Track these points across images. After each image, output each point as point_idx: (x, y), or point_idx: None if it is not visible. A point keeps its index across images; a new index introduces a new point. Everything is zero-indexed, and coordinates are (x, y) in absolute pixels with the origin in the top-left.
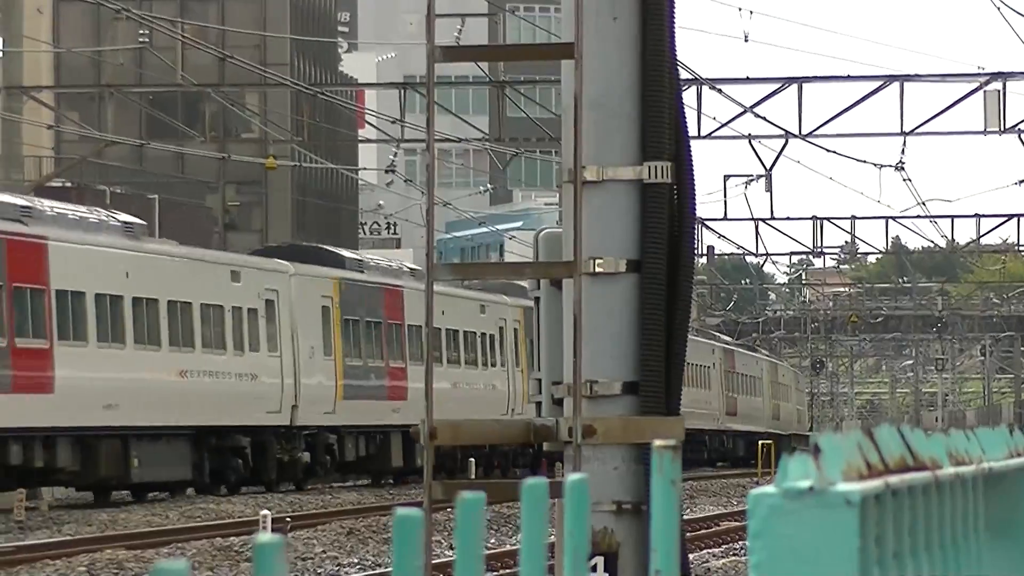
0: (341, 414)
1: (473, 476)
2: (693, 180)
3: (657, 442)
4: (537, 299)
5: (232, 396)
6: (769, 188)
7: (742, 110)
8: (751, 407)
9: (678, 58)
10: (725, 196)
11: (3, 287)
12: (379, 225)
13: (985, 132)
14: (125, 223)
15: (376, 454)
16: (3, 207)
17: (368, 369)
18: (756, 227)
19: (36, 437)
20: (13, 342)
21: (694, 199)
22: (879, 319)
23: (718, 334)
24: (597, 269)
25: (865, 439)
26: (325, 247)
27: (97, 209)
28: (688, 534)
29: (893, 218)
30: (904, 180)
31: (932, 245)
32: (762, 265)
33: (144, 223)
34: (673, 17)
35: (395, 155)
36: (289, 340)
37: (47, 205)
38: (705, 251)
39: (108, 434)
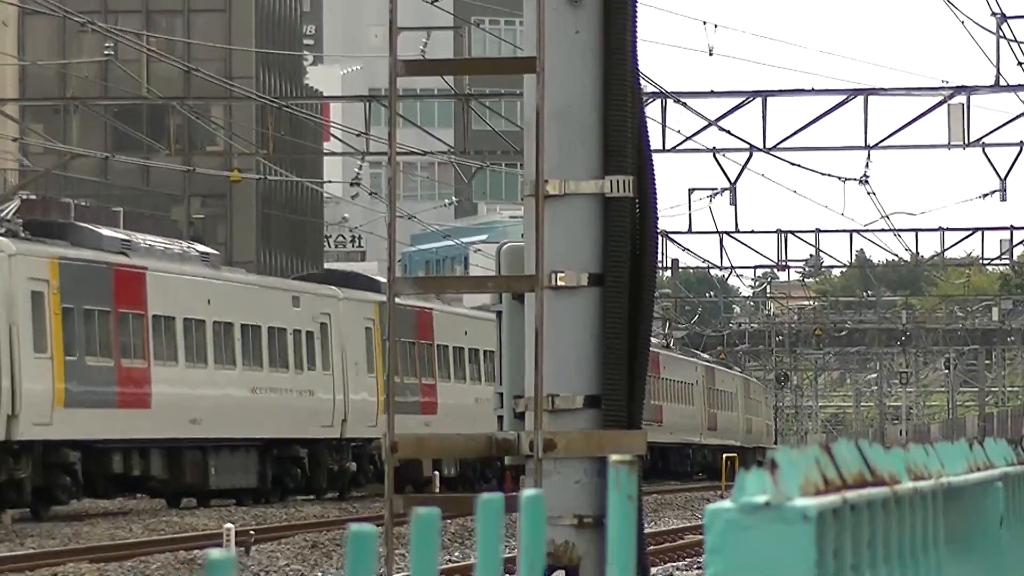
0: (382, 427)
1: (437, 490)
2: (655, 194)
3: (613, 457)
4: (499, 313)
5: (293, 411)
6: (734, 201)
7: (707, 123)
8: (728, 422)
9: (642, 72)
10: (690, 209)
11: (111, 312)
12: (344, 238)
13: (949, 146)
14: (203, 254)
15: (407, 466)
16: (108, 240)
17: (403, 386)
18: (721, 240)
19: (133, 448)
20: (119, 362)
21: (656, 213)
22: (843, 332)
23: (697, 352)
24: (559, 283)
25: (823, 454)
26: (362, 273)
27: (178, 241)
28: (651, 547)
29: (857, 231)
30: (868, 193)
31: (896, 258)
32: (727, 278)
33: (218, 253)
34: (635, 31)
35: (360, 168)
36: (339, 359)
37: (140, 238)
38: (670, 264)
39: (191, 446)
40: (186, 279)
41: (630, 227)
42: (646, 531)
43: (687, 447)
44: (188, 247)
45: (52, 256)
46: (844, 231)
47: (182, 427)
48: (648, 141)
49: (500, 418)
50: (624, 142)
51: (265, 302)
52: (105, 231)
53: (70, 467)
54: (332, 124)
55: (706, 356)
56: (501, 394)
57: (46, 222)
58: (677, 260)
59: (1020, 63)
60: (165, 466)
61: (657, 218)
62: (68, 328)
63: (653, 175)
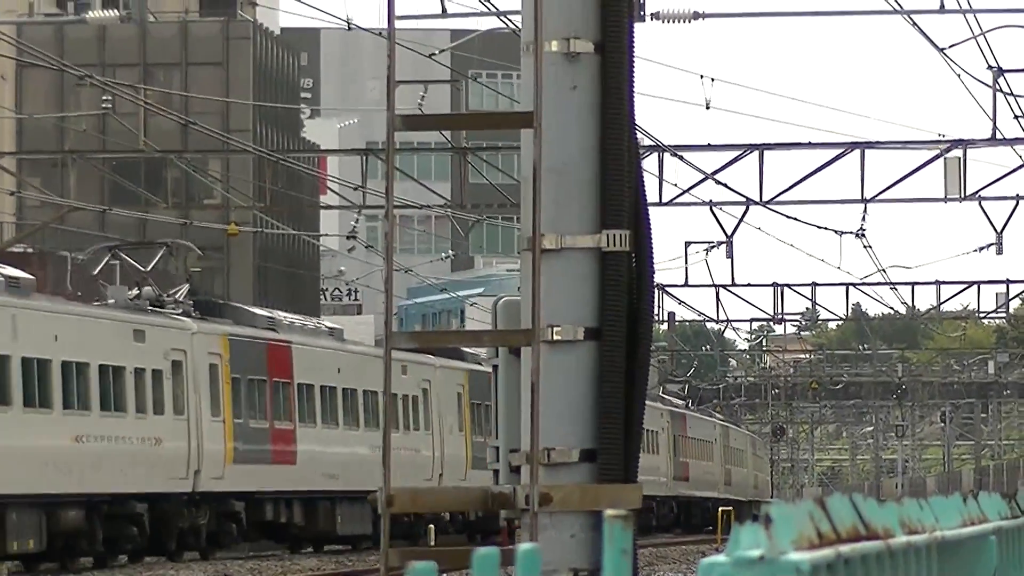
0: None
1: (432, 543)
2: (652, 248)
3: (608, 512)
4: (495, 367)
5: (401, 464)
6: (730, 254)
7: (703, 177)
8: (702, 472)
9: (639, 125)
10: (686, 262)
11: (266, 381)
12: (340, 291)
13: (946, 199)
14: (330, 328)
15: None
16: (258, 319)
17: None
18: (717, 293)
19: (281, 499)
20: (272, 424)
21: (653, 267)
22: (839, 385)
23: (669, 397)
24: (555, 337)
25: (817, 508)
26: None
27: (310, 317)
28: None
29: (854, 285)
30: (865, 247)
31: (892, 312)
32: (723, 331)
33: (341, 327)
34: (632, 85)
35: (357, 221)
36: (436, 419)
37: (282, 315)
38: (666, 317)
39: (323, 496)
40: (320, 351)
41: (626, 281)
42: None
43: (707, 501)
44: (318, 324)
45: (224, 333)
46: (840, 284)
47: (319, 481)
48: (645, 195)
49: (495, 471)
50: (621, 196)
51: (374, 369)
52: (256, 310)
53: (236, 516)
54: (329, 177)
55: (679, 402)
56: (497, 448)
57: (208, 301)
58: (673, 313)
59: (1016, 117)
60: (304, 515)
61: (654, 272)
62: (236, 395)
63: (649, 229)
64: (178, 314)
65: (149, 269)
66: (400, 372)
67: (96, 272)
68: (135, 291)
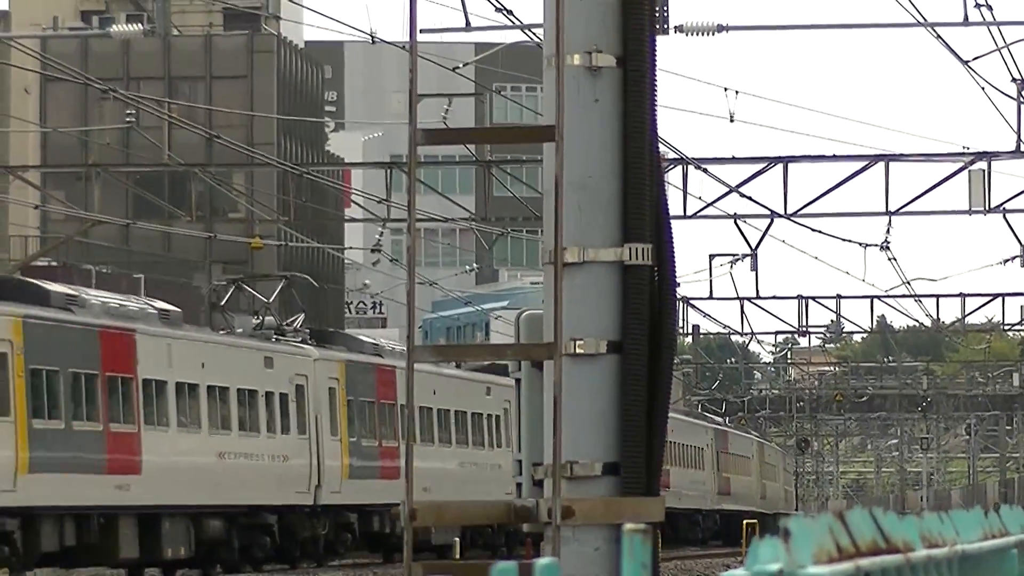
0: None
1: (457, 556)
2: (674, 261)
3: (627, 526)
4: (518, 380)
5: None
6: (754, 267)
7: (728, 190)
8: (742, 486)
9: (663, 138)
10: (711, 275)
11: (375, 403)
12: (365, 304)
13: (970, 212)
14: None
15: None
16: (365, 345)
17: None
18: (741, 306)
19: (386, 512)
20: (381, 443)
21: (675, 280)
22: (864, 398)
23: (709, 415)
24: (578, 350)
25: (836, 522)
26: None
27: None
28: None
29: (878, 297)
30: (889, 259)
31: (917, 324)
32: (747, 344)
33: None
34: (655, 98)
35: (381, 234)
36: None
37: (385, 341)
38: (691, 330)
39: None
40: (422, 375)
41: (648, 295)
42: None
43: (697, 513)
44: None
45: (341, 360)
46: (865, 297)
47: (418, 494)
48: (667, 209)
49: (518, 485)
50: (642, 210)
51: (467, 391)
52: (363, 337)
53: (351, 527)
54: (353, 191)
55: (719, 420)
56: (520, 461)
57: (321, 330)
58: (698, 326)
59: None
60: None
61: (676, 285)
62: (351, 416)
63: (672, 243)
64: (298, 342)
65: (272, 299)
66: (485, 394)
67: (223, 302)
68: (257, 320)
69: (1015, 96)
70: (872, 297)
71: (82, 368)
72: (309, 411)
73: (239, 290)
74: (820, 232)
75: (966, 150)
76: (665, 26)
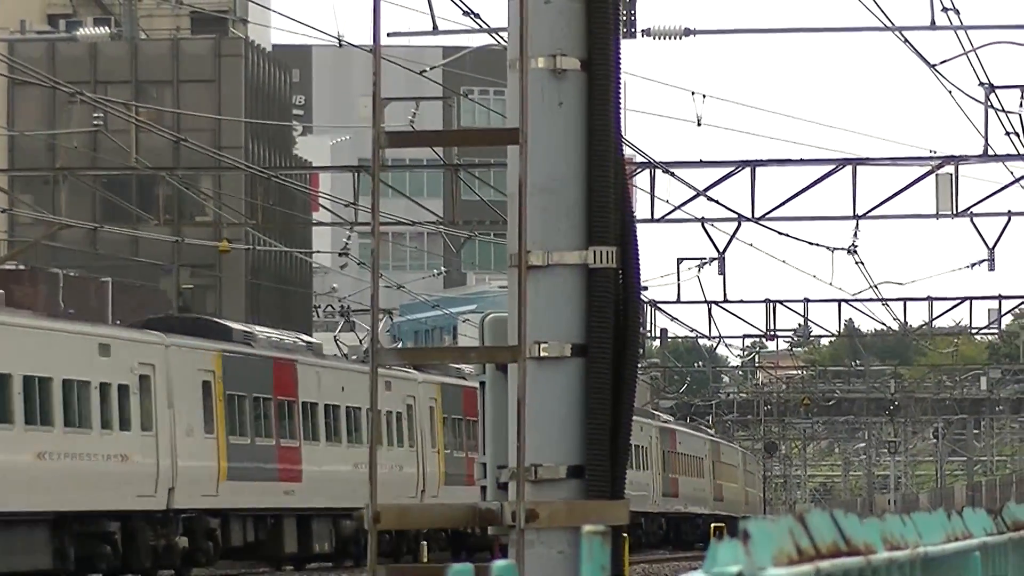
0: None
1: (425, 560)
2: (639, 264)
3: (586, 528)
4: (483, 383)
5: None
6: (722, 271)
7: (695, 193)
8: (732, 493)
9: (630, 142)
10: (678, 279)
11: (463, 420)
12: (333, 308)
13: (937, 215)
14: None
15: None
16: (450, 370)
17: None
18: (709, 310)
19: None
20: (467, 454)
21: (640, 283)
22: (832, 402)
23: (658, 413)
24: (542, 353)
25: (797, 524)
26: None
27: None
28: None
29: (846, 301)
30: (857, 263)
31: (885, 328)
32: (715, 348)
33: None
34: (619, 102)
35: (349, 238)
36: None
37: (468, 369)
38: (658, 334)
39: None
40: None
41: (613, 298)
42: None
43: (698, 517)
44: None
45: (438, 382)
46: (833, 300)
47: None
48: (632, 211)
49: (483, 488)
50: (607, 212)
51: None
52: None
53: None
54: (321, 194)
55: (666, 417)
56: (484, 464)
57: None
58: (666, 330)
59: (1008, 133)
60: None
61: (641, 288)
62: (445, 431)
63: (636, 245)
64: (404, 368)
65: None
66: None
67: (336, 333)
68: (365, 349)
69: (982, 100)
70: (840, 301)
71: (261, 393)
72: (415, 427)
73: (347, 320)
74: (787, 236)
75: (933, 154)
76: (632, 30)
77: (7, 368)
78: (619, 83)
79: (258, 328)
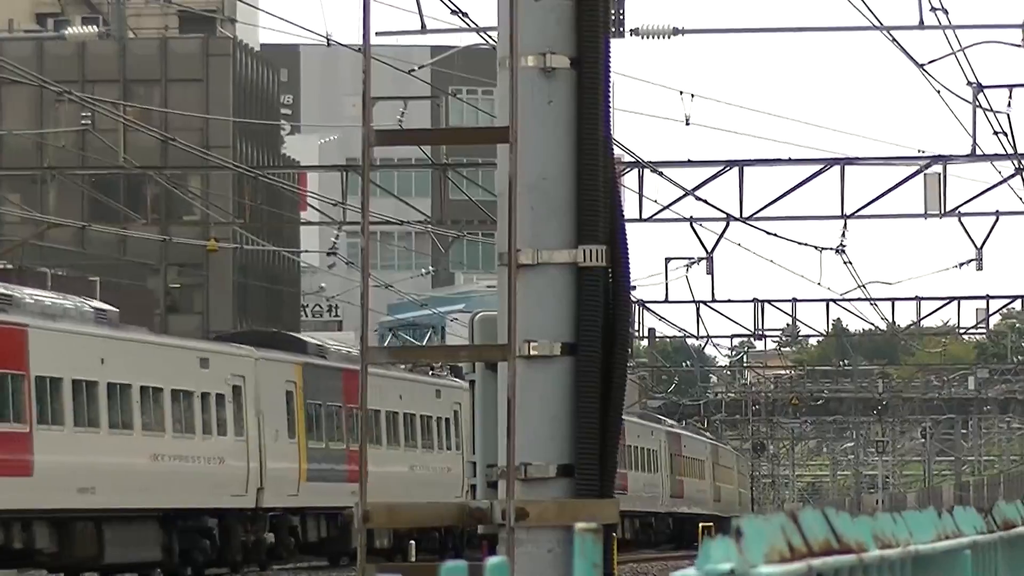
0: None
1: (413, 559)
2: (628, 263)
3: (579, 525)
4: (473, 382)
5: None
6: (710, 271)
7: (684, 193)
8: (696, 490)
9: (618, 141)
10: (666, 278)
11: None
12: (321, 307)
13: (926, 215)
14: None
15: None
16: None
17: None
18: (697, 309)
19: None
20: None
21: (629, 282)
22: (820, 401)
23: (662, 417)
24: (532, 352)
25: (789, 522)
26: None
27: None
28: None
29: (834, 301)
30: (845, 263)
31: (873, 328)
32: (703, 347)
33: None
34: (608, 101)
35: (337, 237)
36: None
37: (332, 343)
38: (646, 333)
39: None
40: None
41: (603, 296)
42: None
43: (650, 515)
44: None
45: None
46: (821, 300)
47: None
48: (621, 210)
49: (473, 487)
50: (597, 211)
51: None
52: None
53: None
54: (309, 193)
55: (671, 422)
56: (474, 463)
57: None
58: (654, 329)
59: (996, 132)
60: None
61: (630, 287)
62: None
63: (626, 244)
64: (448, 376)
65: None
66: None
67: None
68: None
69: (970, 100)
70: (828, 300)
71: (333, 401)
72: (463, 432)
73: (395, 336)
74: (776, 235)
75: (922, 153)
76: (621, 29)
77: (127, 379)
78: (609, 82)
79: (329, 341)
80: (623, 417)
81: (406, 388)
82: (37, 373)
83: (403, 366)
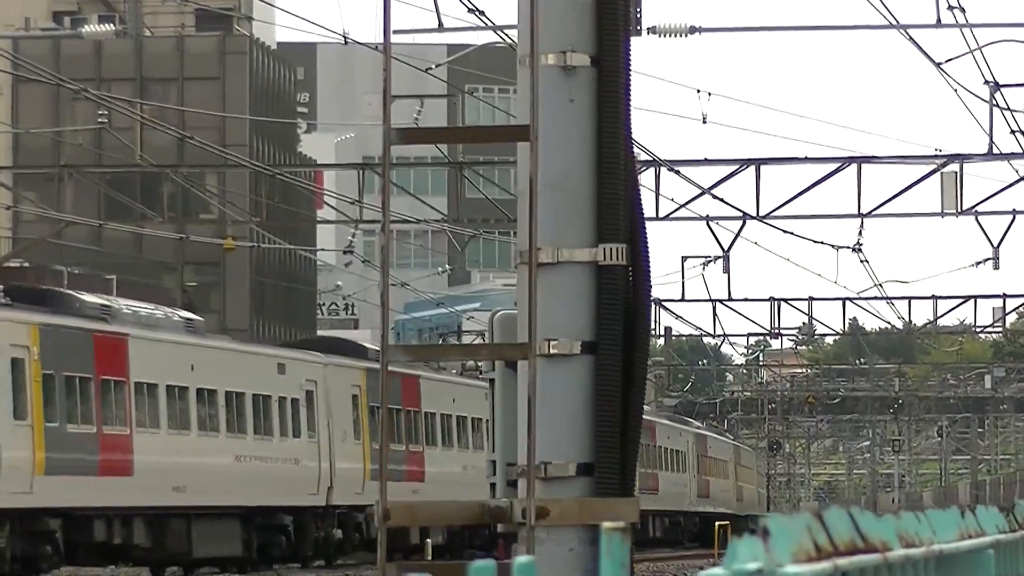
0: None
1: (429, 558)
2: (648, 262)
3: (606, 524)
4: (492, 380)
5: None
6: (727, 269)
7: (700, 191)
8: (720, 489)
9: (635, 139)
10: (683, 277)
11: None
12: (337, 306)
13: (942, 214)
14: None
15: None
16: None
17: None
18: (714, 308)
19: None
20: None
21: (649, 280)
22: (836, 400)
23: (688, 419)
24: (552, 351)
25: (814, 521)
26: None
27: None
28: None
29: (850, 299)
30: (861, 261)
31: (889, 326)
32: (719, 346)
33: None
34: (629, 99)
35: (353, 236)
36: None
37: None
38: (663, 332)
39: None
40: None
41: (623, 295)
42: None
43: (678, 514)
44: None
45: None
46: (837, 299)
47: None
48: (641, 209)
49: (492, 485)
50: (617, 210)
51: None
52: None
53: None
54: (326, 192)
55: (697, 423)
56: (494, 461)
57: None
58: (670, 328)
59: (1013, 131)
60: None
61: (650, 286)
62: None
63: (646, 243)
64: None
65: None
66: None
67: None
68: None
69: (987, 98)
70: (844, 299)
71: (396, 404)
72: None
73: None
74: (792, 234)
75: (938, 152)
76: (638, 28)
77: (214, 384)
78: (629, 80)
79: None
80: (654, 419)
81: (459, 391)
82: (136, 379)
83: (453, 370)
